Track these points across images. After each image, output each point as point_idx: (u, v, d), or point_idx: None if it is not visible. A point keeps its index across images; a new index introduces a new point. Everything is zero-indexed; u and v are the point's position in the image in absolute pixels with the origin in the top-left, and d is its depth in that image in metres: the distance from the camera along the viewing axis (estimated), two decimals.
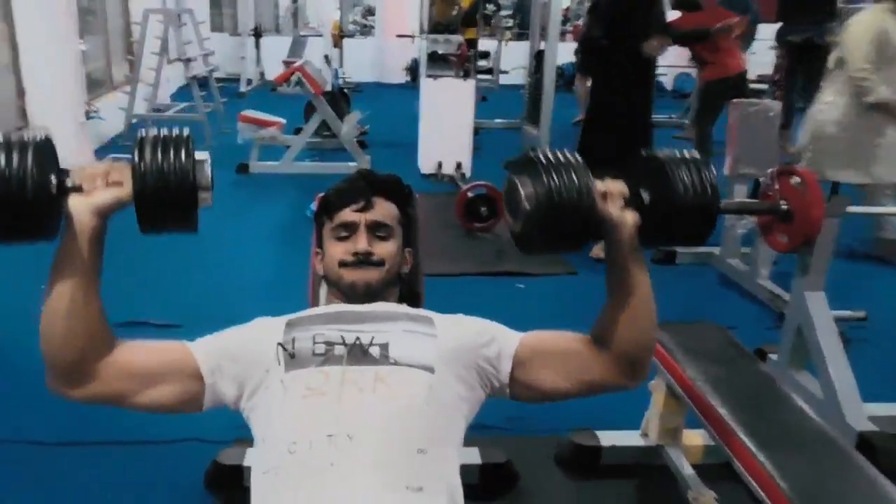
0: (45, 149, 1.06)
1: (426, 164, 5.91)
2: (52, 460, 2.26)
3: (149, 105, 7.17)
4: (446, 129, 5.85)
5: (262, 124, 5.59)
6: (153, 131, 1.08)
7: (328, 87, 6.71)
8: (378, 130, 7.18)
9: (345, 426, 1.06)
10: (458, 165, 5.80)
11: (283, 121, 5.72)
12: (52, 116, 5.50)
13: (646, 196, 1.19)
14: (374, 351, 1.17)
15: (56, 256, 1.10)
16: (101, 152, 5.97)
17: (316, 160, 6.04)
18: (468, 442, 2.20)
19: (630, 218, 1.16)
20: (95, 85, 7.41)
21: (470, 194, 4.44)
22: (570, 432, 2.24)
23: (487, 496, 2.04)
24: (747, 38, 6.16)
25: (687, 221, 1.18)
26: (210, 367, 1.21)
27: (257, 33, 10.26)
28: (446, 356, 1.21)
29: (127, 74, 7.21)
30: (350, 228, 1.35)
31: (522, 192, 1.12)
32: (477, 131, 6.37)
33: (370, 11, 12.62)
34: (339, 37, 7.50)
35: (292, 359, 1.17)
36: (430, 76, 5.94)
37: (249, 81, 10.00)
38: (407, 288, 1.52)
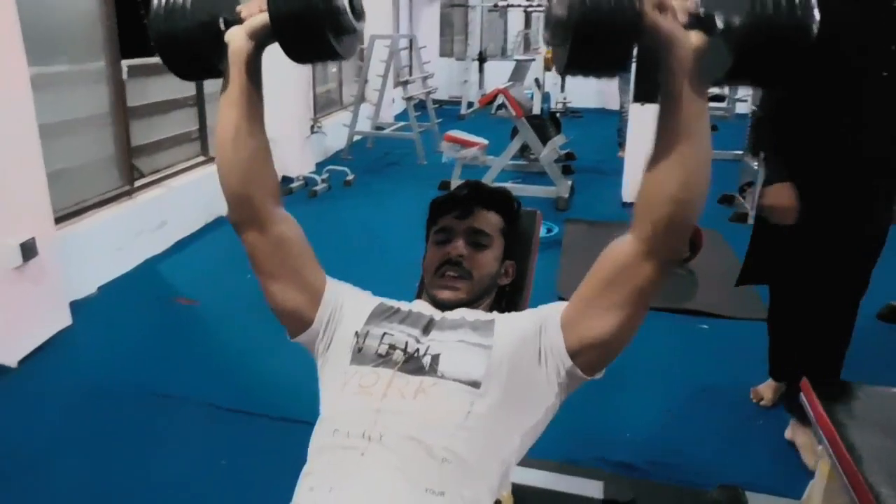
0: None
1: (630, 192, 5.69)
2: (219, 421, 2.59)
3: (371, 123, 7.71)
4: None
5: (465, 144, 5.75)
6: None
7: (536, 111, 6.74)
8: (587, 157, 7.08)
9: (379, 427, 1.08)
10: None
11: (486, 142, 5.83)
12: (282, 130, 6.14)
13: (719, 20, 0.96)
14: (426, 361, 1.16)
15: (222, 89, 1.16)
16: (323, 164, 6.50)
17: (518, 182, 6.07)
18: (593, 475, 2.07)
19: (693, 38, 0.97)
20: (329, 104, 8.12)
21: None
22: (716, 489, 2.01)
23: None
24: None
25: (768, 48, 0.91)
26: (322, 313, 1.26)
27: (481, 58, 10.61)
28: (499, 367, 1.15)
29: (353, 95, 7.79)
30: (448, 233, 1.39)
31: None
32: None
33: None
34: (550, 61, 7.50)
35: (359, 353, 1.21)
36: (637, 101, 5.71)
37: (470, 104, 10.35)
38: (507, 301, 1.49)
